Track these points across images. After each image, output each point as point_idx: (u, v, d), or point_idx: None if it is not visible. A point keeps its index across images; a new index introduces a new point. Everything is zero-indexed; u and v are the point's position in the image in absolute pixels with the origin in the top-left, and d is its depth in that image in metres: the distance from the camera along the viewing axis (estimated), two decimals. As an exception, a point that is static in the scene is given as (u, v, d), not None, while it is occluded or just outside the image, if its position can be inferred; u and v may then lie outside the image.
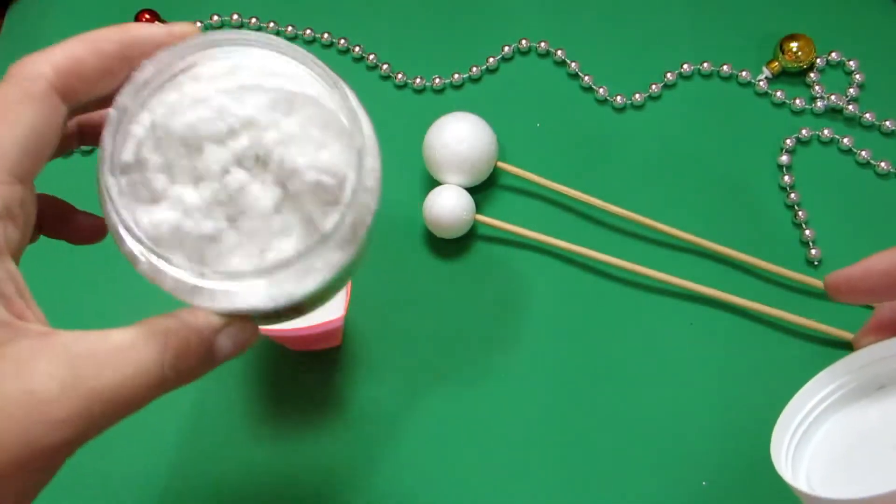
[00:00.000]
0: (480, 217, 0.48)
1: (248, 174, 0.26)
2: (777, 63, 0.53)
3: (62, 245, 0.33)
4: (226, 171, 0.26)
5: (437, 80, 0.53)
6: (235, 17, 0.55)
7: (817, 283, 0.47)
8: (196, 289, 0.25)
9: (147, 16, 0.55)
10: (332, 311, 0.43)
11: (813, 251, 0.48)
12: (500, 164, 0.49)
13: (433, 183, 0.49)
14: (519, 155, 0.51)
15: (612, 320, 0.47)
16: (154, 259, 0.25)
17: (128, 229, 0.25)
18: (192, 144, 0.26)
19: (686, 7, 0.56)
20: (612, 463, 0.44)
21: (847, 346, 0.46)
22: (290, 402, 0.45)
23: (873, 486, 0.26)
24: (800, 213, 0.49)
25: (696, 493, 0.43)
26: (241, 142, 0.26)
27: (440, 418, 0.45)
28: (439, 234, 0.48)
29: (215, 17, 0.55)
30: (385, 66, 0.53)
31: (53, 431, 0.21)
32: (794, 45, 0.52)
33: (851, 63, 0.53)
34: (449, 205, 0.47)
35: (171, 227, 0.26)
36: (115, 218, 0.25)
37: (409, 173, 0.51)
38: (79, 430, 0.22)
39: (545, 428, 0.45)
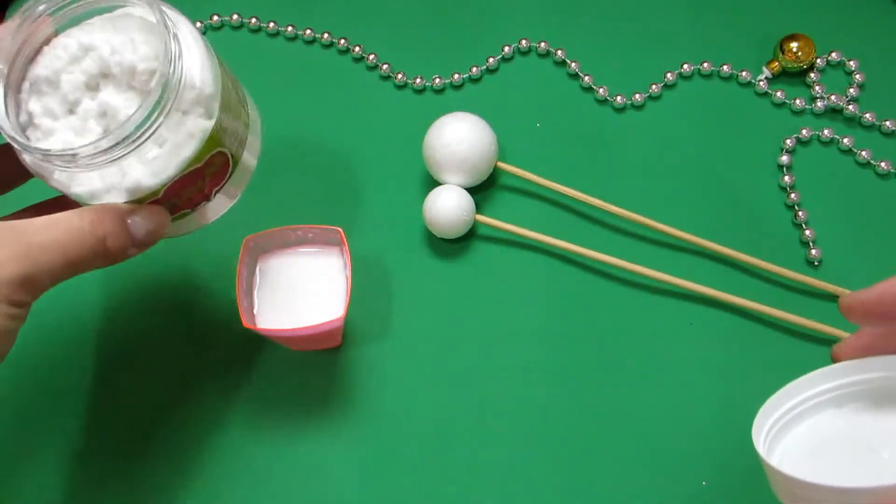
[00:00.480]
0: (480, 217, 0.48)
1: (106, 87, 0.34)
2: (777, 63, 0.53)
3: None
4: (86, 92, 0.34)
5: (437, 80, 0.53)
6: (235, 17, 0.55)
7: (817, 283, 0.47)
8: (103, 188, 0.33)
9: (147, 16, 0.55)
10: (333, 311, 0.43)
11: (813, 251, 0.48)
12: (500, 164, 0.49)
13: (433, 183, 0.49)
14: (519, 155, 0.51)
15: (612, 320, 0.47)
16: (40, 158, 0.32)
17: (24, 149, 0.32)
18: (54, 81, 0.34)
19: (686, 7, 0.56)
20: (613, 463, 0.44)
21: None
22: (290, 402, 0.45)
23: (838, 480, 0.27)
24: (800, 213, 0.49)
25: (696, 493, 0.43)
26: (87, 63, 0.34)
27: (440, 418, 0.45)
28: (439, 234, 0.48)
29: (215, 18, 0.55)
30: (385, 66, 0.53)
31: (2, 267, 0.30)
32: (794, 45, 0.52)
33: (851, 63, 0.53)
34: (449, 205, 0.47)
35: (66, 147, 0.32)
36: (19, 147, 0.32)
37: (410, 173, 0.51)
38: (23, 268, 0.30)
39: (545, 428, 0.45)
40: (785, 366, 0.46)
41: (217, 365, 0.46)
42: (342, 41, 0.55)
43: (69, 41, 0.34)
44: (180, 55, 0.33)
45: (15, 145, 0.32)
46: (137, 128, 0.32)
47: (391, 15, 0.56)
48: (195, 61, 0.34)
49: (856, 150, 0.51)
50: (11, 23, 0.33)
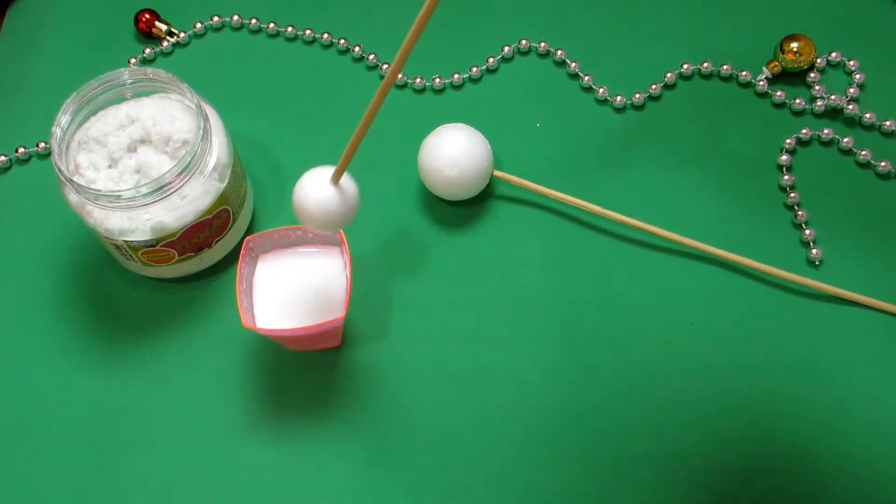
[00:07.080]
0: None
1: (142, 149, 0.43)
2: (777, 63, 0.53)
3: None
4: (127, 151, 0.43)
5: (437, 80, 0.53)
6: (236, 18, 0.55)
7: (817, 283, 0.47)
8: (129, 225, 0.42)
9: (147, 16, 0.55)
10: (333, 311, 0.43)
11: (813, 251, 0.48)
12: (496, 172, 0.49)
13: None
14: (519, 155, 0.51)
15: (610, 323, 0.47)
16: (92, 200, 0.41)
17: (77, 189, 0.40)
18: (102, 141, 0.43)
19: (686, 7, 0.56)
20: (612, 463, 0.44)
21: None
22: (290, 402, 0.45)
23: None
24: (800, 213, 0.49)
25: (696, 494, 0.43)
26: (131, 129, 0.43)
27: (440, 418, 0.45)
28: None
29: (216, 18, 0.55)
30: (385, 66, 0.53)
31: None
32: (794, 45, 0.52)
33: (851, 63, 0.53)
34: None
35: (112, 189, 0.41)
36: (74, 188, 0.40)
37: (410, 173, 0.51)
38: None
39: (545, 428, 0.44)
40: (785, 366, 0.46)
41: (217, 365, 0.46)
42: (342, 41, 0.55)
43: (119, 112, 0.43)
44: (208, 133, 0.42)
45: (71, 185, 0.40)
46: (169, 182, 0.40)
47: (390, 15, 0.56)
48: (217, 138, 0.43)
49: (856, 151, 0.51)
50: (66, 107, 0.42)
